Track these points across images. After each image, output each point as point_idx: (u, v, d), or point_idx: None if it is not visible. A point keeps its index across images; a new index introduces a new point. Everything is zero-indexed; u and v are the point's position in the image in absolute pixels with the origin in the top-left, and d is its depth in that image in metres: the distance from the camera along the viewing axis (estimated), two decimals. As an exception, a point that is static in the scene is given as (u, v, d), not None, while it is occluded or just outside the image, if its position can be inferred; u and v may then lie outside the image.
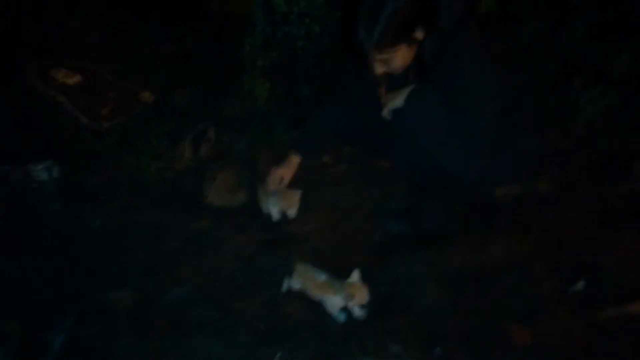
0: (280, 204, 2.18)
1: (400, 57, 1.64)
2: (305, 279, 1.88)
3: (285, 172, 2.16)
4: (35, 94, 2.77)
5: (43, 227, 2.21)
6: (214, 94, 2.67)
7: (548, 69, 2.60)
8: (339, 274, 1.99)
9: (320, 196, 2.34)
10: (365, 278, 1.98)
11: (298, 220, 2.21)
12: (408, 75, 1.78)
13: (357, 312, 1.81)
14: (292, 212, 2.19)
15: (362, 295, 1.79)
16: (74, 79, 2.86)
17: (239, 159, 2.49)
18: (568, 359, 1.72)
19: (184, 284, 1.99)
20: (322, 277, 1.85)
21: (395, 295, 1.93)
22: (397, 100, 1.75)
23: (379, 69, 1.67)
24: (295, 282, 1.90)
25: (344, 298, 1.78)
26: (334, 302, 1.81)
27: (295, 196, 2.17)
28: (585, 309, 1.84)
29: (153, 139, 2.52)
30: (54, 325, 1.86)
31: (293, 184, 2.21)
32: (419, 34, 1.62)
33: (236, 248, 2.15)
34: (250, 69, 2.56)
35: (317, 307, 1.86)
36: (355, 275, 1.82)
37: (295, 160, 2.16)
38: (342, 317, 1.82)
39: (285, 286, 1.93)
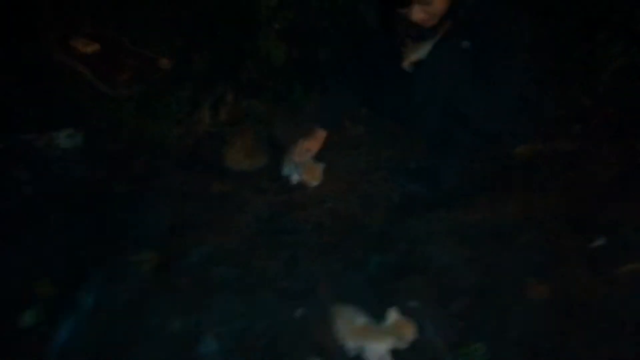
0: (303, 176, 2.21)
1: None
2: (343, 324, 1.70)
3: (312, 145, 2.18)
4: (56, 63, 2.80)
5: (69, 192, 2.27)
6: (231, 57, 2.66)
7: (571, 24, 2.54)
8: (358, 233, 2.04)
9: (339, 158, 2.35)
10: (383, 237, 2.02)
11: (317, 183, 2.23)
12: (438, 29, 1.77)
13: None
14: (314, 184, 2.22)
15: (411, 332, 1.64)
16: (92, 48, 2.88)
17: (258, 122, 2.50)
18: (585, 314, 1.73)
19: (206, 245, 2.04)
20: (362, 320, 1.69)
21: (413, 253, 1.95)
22: (420, 52, 1.74)
23: (417, 15, 1.66)
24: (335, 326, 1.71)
25: (394, 342, 1.62)
26: (377, 350, 1.63)
27: (318, 169, 2.20)
28: (603, 265, 1.85)
29: (173, 104, 2.53)
30: (84, 285, 1.93)
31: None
32: None
33: (256, 210, 2.18)
34: (266, 31, 2.54)
35: (339, 265, 1.90)
36: (394, 315, 1.67)
37: (321, 134, 2.18)
38: None
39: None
